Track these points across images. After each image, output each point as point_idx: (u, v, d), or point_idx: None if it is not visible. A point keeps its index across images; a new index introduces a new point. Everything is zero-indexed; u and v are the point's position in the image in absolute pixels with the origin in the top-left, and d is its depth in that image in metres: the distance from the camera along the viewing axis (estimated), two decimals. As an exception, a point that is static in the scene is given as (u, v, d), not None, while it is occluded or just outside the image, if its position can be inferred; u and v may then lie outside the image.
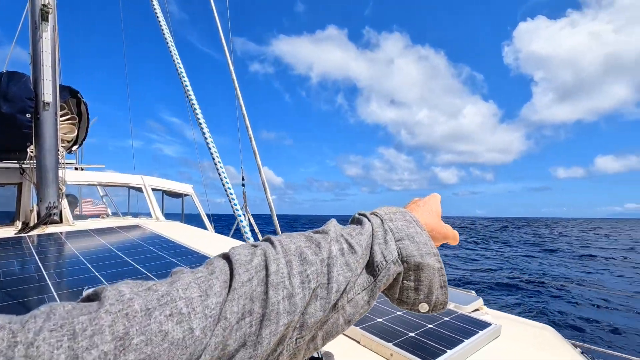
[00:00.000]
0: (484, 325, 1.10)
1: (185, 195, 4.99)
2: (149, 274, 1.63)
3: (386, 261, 0.45)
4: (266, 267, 0.38)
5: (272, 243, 0.42)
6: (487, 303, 1.42)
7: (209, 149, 2.28)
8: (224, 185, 2.06)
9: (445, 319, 1.15)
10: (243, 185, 4.32)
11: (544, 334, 1.15)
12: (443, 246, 0.60)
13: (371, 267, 0.45)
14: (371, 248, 0.46)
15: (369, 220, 0.48)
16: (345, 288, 0.42)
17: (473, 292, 1.54)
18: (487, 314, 1.35)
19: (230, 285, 0.36)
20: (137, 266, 1.74)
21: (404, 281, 0.47)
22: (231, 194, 2.01)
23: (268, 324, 0.35)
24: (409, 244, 0.47)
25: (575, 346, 1.31)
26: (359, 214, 0.51)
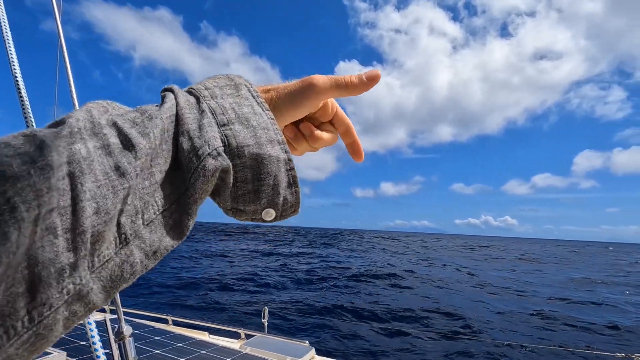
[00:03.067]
0: None
1: None
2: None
3: (197, 156, 0.30)
4: None
5: None
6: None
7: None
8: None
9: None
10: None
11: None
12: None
13: (179, 168, 0.31)
14: (177, 139, 0.31)
15: (175, 98, 0.33)
16: (125, 206, 0.27)
17: (306, 342, 1.60)
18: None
19: None
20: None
21: (238, 183, 0.33)
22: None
23: None
24: (240, 130, 0.33)
25: None
26: (165, 89, 0.35)
